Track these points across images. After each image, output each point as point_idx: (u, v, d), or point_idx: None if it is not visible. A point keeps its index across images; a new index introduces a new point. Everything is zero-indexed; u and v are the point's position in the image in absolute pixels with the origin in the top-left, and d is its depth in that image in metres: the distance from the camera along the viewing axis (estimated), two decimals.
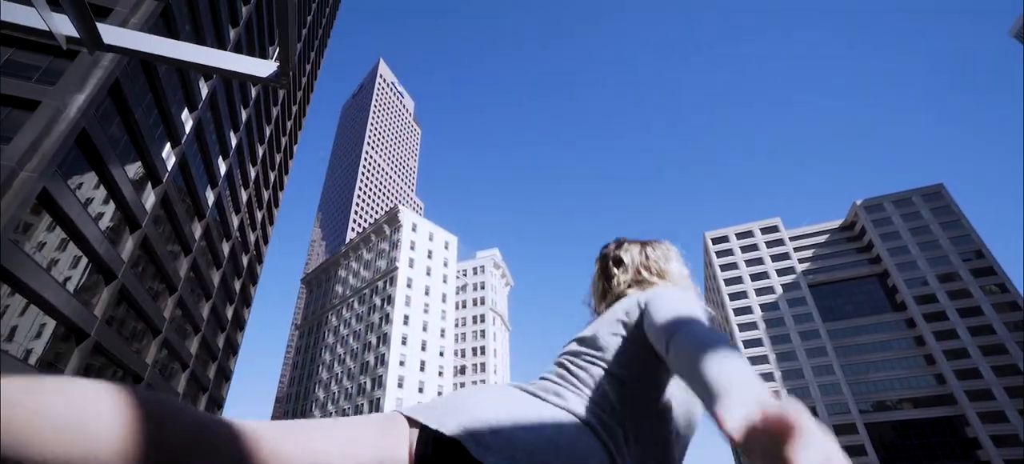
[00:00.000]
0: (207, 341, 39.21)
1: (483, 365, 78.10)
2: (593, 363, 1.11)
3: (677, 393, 1.10)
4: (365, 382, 63.88)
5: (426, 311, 69.14)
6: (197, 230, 33.10)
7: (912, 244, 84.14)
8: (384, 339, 64.30)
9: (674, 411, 1.09)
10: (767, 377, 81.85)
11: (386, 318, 65.81)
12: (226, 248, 40.62)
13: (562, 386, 1.08)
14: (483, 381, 76.53)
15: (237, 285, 45.94)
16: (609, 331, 1.15)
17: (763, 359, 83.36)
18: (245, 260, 47.54)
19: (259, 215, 50.45)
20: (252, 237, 49.03)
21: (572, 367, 1.13)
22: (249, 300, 52.26)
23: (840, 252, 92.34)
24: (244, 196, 43.46)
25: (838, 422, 74.75)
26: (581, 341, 1.20)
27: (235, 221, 42.11)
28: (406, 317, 66.02)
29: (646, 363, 1.08)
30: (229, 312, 44.78)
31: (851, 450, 72.69)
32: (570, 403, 1.01)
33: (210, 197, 34.63)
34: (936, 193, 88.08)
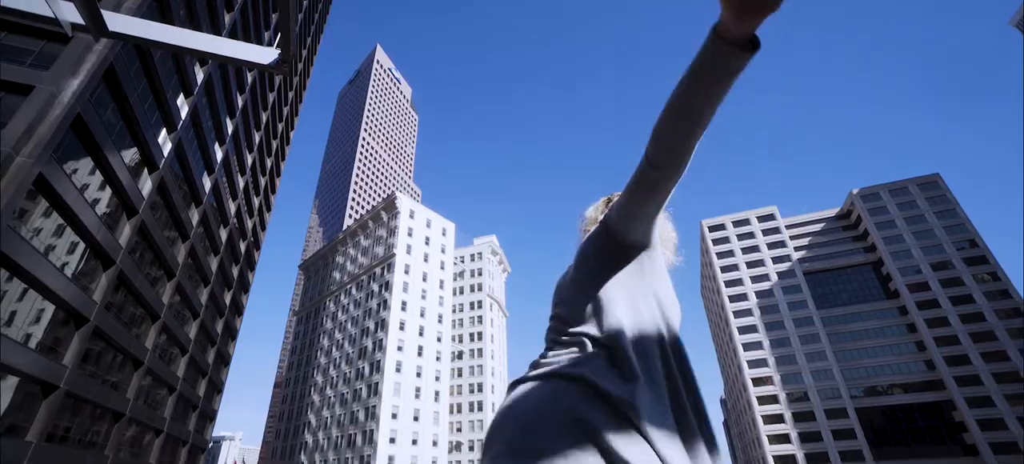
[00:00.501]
0: (206, 326, 39.39)
1: (480, 350, 78.61)
2: (564, 316, 1.20)
3: (644, 292, 1.16)
4: (363, 367, 64.33)
5: (424, 297, 69.42)
6: (194, 216, 33.07)
7: (907, 233, 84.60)
8: (382, 325, 64.61)
9: (645, 314, 1.13)
10: (761, 363, 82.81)
11: (384, 304, 66.06)
12: (223, 234, 40.60)
13: (547, 356, 1.14)
14: (480, 366, 77.08)
15: (235, 271, 46.01)
16: (573, 285, 1.24)
17: (758, 345, 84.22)
18: (243, 246, 47.54)
19: (256, 201, 50.33)
20: (249, 223, 48.98)
21: (550, 333, 1.22)
22: (247, 286, 52.38)
23: (836, 240, 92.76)
24: (241, 182, 43.32)
25: (829, 406, 75.88)
26: (553, 307, 1.29)
27: (232, 208, 42.02)
28: (404, 303, 66.29)
29: (605, 282, 1.16)
30: (227, 298, 44.91)
31: (841, 433, 73.97)
32: (555, 365, 1.07)
33: (207, 183, 34.53)
34: (932, 183, 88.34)
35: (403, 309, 65.89)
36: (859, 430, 72.82)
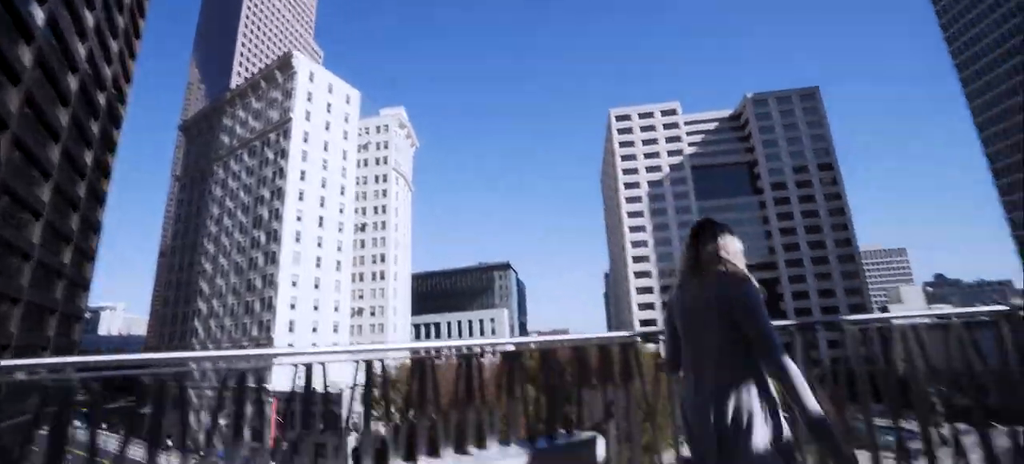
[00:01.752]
0: (62, 189, 35.37)
1: (384, 223, 79.23)
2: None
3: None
4: (259, 236, 62.51)
5: (325, 168, 66.81)
6: (25, 55, 27.99)
7: (781, 138, 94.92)
8: (278, 194, 62.02)
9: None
10: (642, 244, 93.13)
11: (280, 173, 62.79)
12: (73, 82, 34.99)
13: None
14: (384, 239, 78.36)
15: (95, 128, 40.52)
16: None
17: (642, 228, 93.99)
18: (102, 98, 41.43)
19: (114, 45, 42.96)
20: (108, 72, 42.28)
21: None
22: (113, 145, 46.56)
23: (724, 139, 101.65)
24: (90, 19, 36.56)
25: None
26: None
27: (82, 50, 35.86)
28: (303, 173, 63.50)
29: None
30: (88, 158, 39.97)
31: None
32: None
33: (39, 14, 28.85)
34: (810, 95, 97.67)
35: (302, 179, 63.28)
36: None
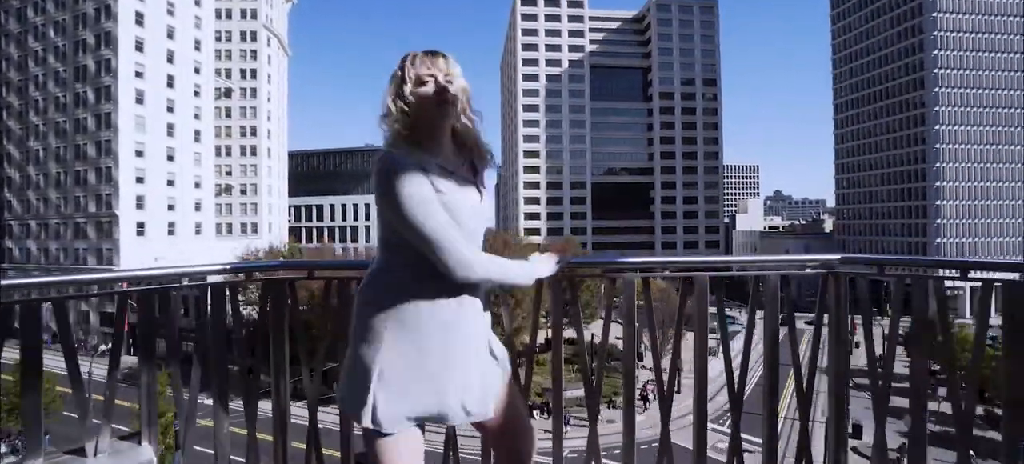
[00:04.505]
0: None
1: (254, 90, 69.12)
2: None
3: None
4: (85, 92, 51.04)
5: (171, 12, 54.76)
6: None
7: (677, 47, 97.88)
8: (107, 40, 50.13)
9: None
10: (533, 139, 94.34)
11: (106, 12, 50.11)
12: None
13: None
14: (254, 109, 69.04)
15: None
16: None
17: (535, 124, 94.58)
18: None
19: None
20: None
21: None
22: None
23: (625, 42, 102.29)
24: None
25: (574, 180, 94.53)
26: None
27: None
28: (139, 15, 51.50)
29: None
30: None
31: (576, 200, 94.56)
32: None
33: None
34: (710, 8, 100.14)
35: (139, 23, 51.52)
36: (590, 200, 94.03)
